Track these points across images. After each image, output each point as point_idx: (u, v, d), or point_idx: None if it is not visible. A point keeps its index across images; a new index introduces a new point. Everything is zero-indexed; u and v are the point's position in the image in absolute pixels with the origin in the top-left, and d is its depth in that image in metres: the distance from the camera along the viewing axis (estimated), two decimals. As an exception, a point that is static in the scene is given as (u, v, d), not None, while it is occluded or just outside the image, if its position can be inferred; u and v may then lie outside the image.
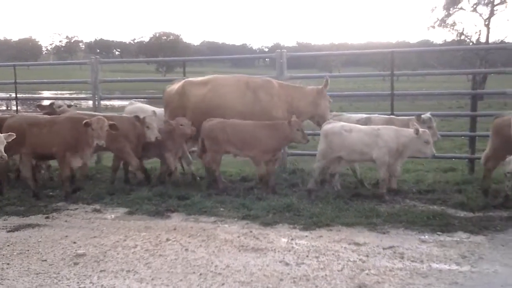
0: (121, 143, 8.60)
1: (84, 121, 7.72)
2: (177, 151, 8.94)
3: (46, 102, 11.86)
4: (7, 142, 7.23)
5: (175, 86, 9.28)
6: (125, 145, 8.65)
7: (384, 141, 7.51)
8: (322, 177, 8.39)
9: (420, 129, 7.38)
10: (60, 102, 10.46)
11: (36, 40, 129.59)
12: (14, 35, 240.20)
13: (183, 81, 9.27)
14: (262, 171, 8.30)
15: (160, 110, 9.69)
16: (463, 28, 47.89)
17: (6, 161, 8.25)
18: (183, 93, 8.96)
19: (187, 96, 8.90)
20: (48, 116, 9.05)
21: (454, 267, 5.21)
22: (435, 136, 8.06)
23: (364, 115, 8.92)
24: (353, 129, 7.81)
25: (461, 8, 47.05)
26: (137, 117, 8.68)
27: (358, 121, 8.44)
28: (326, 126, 8.05)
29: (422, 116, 8.17)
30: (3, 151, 6.97)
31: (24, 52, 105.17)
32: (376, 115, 9.10)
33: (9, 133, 7.31)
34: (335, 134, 7.82)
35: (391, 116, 8.83)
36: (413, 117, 8.29)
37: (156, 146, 8.81)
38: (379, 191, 7.85)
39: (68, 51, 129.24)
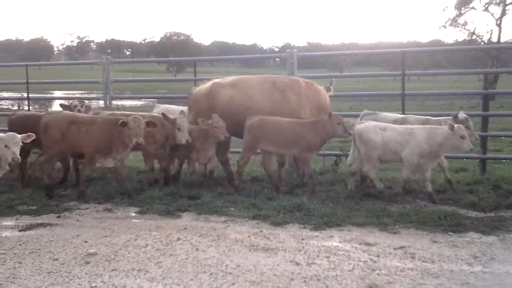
0: (146, 141, 8.25)
1: (121, 121, 7.68)
2: (206, 152, 8.67)
3: (56, 102, 11.91)
4: (44, 143, 7.16)
5: (203, 87, 9.18)
6: (149, 144, 8.45)
7: (417, 141, 7.42)
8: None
9: (455, 125, 7.29)
10: (76, 102, 10.50)
11: (48, 40, 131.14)
12: (26, 35, 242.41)
13: (211, 82, 9.15)
14: (310, 169, 8.23)
15: (184, 109, 9.60)
16: (475, 28, 47.46)
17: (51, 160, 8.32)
18: (211, 95, 8.85)
19: (215, 98, 8.79)
20: (87, 115, 8.93)
21: (465, 267, 5.18)
22: (472, 136, 7.95)
23: (400, 115, 8.85)
24: (387, 128, 7.77)
25: (473, 8, 46.77)
26: (164, 115, 8.49)
27: (395, 122, 8.33)
28: (360, 126, 7.99)
29: (459, 115, 8.08)
30: (18, 153, 6.80)
31: (35, 52, 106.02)
32: (412, 115, 8.97)
33: (28, 133, 7.09)
34: (370, 133, 7.77)
35: (428, 117, 8.72)
36: (449, 117, 8.19)
37: (185, 146, 8.57)
38: (394, 190, 7.81)
39: (79, 51, 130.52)
